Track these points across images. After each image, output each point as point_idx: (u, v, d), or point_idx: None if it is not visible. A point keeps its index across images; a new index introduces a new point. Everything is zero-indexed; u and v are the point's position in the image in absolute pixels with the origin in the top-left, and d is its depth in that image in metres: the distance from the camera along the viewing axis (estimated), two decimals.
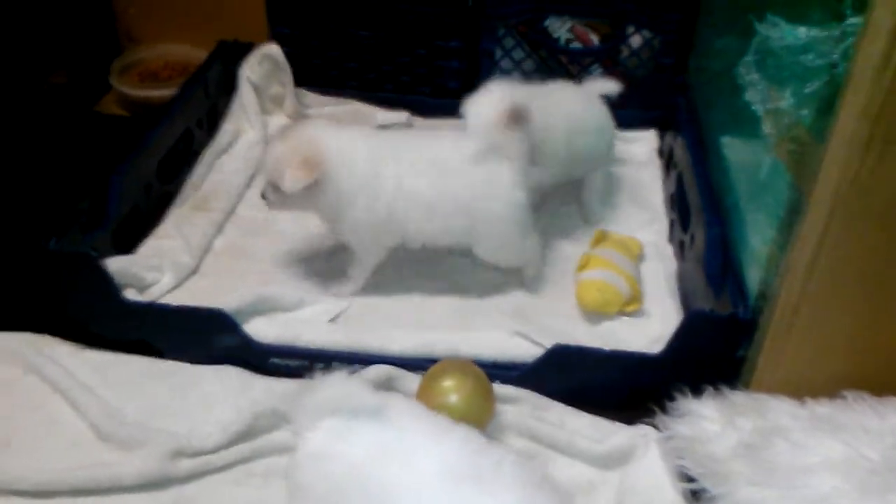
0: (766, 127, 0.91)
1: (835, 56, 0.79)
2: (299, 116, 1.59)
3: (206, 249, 1.30)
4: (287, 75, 1.58)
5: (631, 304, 1.20)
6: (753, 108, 0.89)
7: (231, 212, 1.39)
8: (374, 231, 1.16)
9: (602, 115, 1.37)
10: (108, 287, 1.09)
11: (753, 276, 1.03)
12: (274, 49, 1.56)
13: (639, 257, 1.30)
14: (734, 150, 1.18)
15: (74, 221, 1.14)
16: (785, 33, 0.80)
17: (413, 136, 1.22)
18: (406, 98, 1.65)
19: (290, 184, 1.06)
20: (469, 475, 0.73)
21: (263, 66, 1.56)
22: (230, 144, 1.51)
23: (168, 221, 1.33)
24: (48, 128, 1.65)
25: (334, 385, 0.81)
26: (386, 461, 0.76)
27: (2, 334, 1.15)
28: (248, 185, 1.45)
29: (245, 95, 1.53)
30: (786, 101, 0.84)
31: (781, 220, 0.93)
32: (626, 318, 1.20)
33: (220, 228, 1.35)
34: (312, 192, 1.09)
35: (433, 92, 1.66)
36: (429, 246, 1.18)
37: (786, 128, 0.87)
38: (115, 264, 1.13)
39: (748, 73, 0.87)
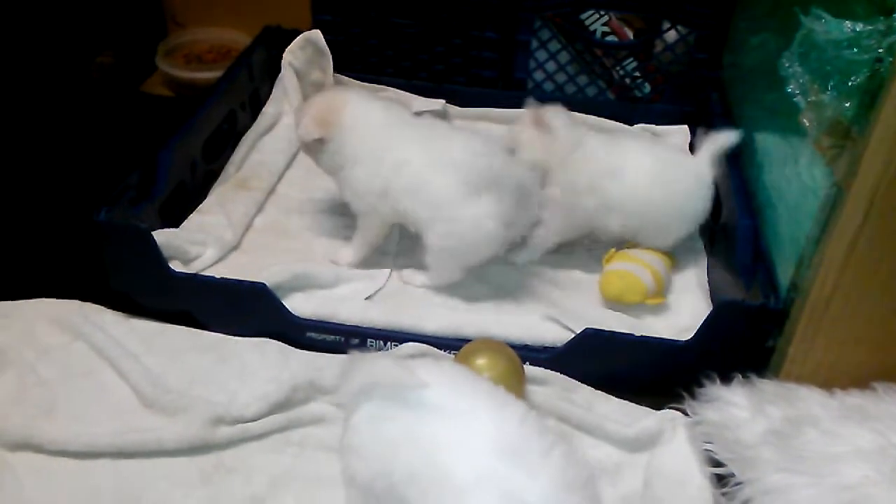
0: (806, 120, 0.92)
1: (879, 51, 0.80)
2: None
3: (248, 226, 1.33)
4: (328, 62, 1.61)
5: (654, 297, 1.21)
6: (795, 99, 0.90)
7: (271, 191, 1.43)
8: (370, 201, 1.19)
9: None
10: (155, 258, 1.12)
11: (785, 268, 1.05)
12: (316, 35, 1.58)
13: (671, 265, 1.29)
14: (769, 144, 1.19)
15: (123, 195, 1.17)
16: (830, 27, 0.82)
17: (432, 127, 1.22)
18: (441, 87, 1.67)
19: (301, 132, 1.18)
20: (518, 451, 0.75)
21: (306, 51, 1.59)
22: (271, 126, 1.54)
23: (211, 198, 1.37)
24: (95, 106, 1.70)
25: (377, 363, 0.84)
26: (439, 421, 0.78)
27: (51, 301, 1.20)
28: (288, 165, 1.49)
29: (287, 79, 1.56)
30: (828, 94, 0.85)
31: (817, 214, 0.95)
32: (654, 309, 1.21)
33: (260, 207, 1.38)
34: (319, 148, 1.19)
35: (468, 81, 1.68)
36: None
37: (827, 121, 0.88)
38: (161, 237, 1.16)
39: (791, 66, 0.88)
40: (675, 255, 1.31)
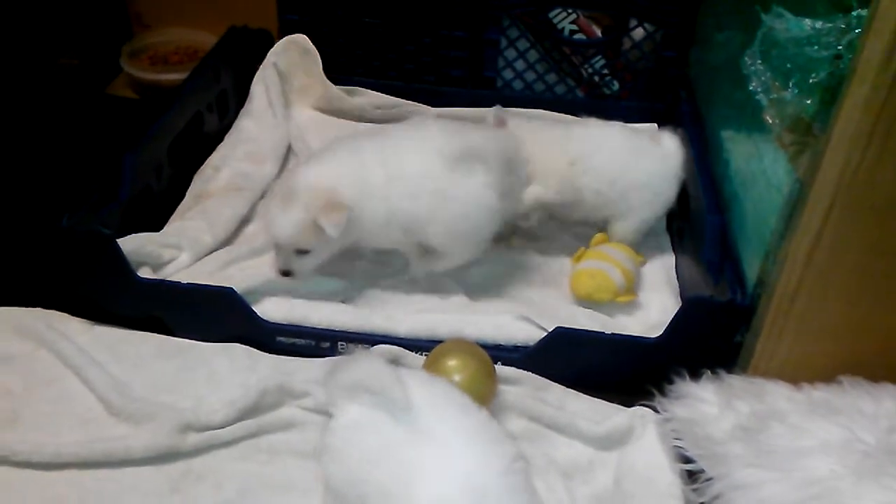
0: (769, 117, 0.93)
1: (839, 48, 0.81)
2: (330, 108, 1.61)
3: (228, 231, 1.31)
4: (315, 63, 1.59)
5: (625, 295, 1.21)
6: (757, 97, 0.91)
7: (254, 199, 1.39)
8: (392, 234, 1.16)
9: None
10: (119, 264, 1.11)
11: (752, 264, 1.06)
12: (302, 38, 1.57)
13: (640, 262, 1.30)
14: (735, 141, 1.20)
15: (87, 199, 1.15)
16: (790, 24, 0.82)
17: (393, 146, 1.16)
18: (411, 86, 1.67)
19: (333, 229, 1.05)
20: (489, 501, 0.74)
21: (290, 53, 1.58)
22: (249, 130, 1.52)
23: (188, 201, 1.35)
24: (59, 109, 1.66)
25: (368, 364, 0.83)
26: (423, 447, 0.77)
27: (14, 310, 1.17)
28: (275, 174, 1.45)
29: (269, 79, 1.55)
30: (789, 91, 0.86)
31: (781, 210, 0.96)
32: (624, 307, 1.22)
33: (242, 212, 1.36)
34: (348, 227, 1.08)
35: (437, 80, 1.67)
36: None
37: (788, 118, 0.89)
38: (131, 243, 1.15)
39: (752, 64, 0.88)
40: (644, 253, 1.32)
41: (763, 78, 0.87)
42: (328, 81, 1.61)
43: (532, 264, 1.31)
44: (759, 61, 0.88)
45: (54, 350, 1.12)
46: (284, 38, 1.58)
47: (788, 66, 0.85)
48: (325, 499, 0.88)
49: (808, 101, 0.86)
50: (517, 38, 1.62)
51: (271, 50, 1.58)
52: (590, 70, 1.64)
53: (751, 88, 0.91)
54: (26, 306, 1.18)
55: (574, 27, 1.61)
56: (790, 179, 0.93)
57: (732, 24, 1.26)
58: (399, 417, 0.78)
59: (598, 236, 1.31)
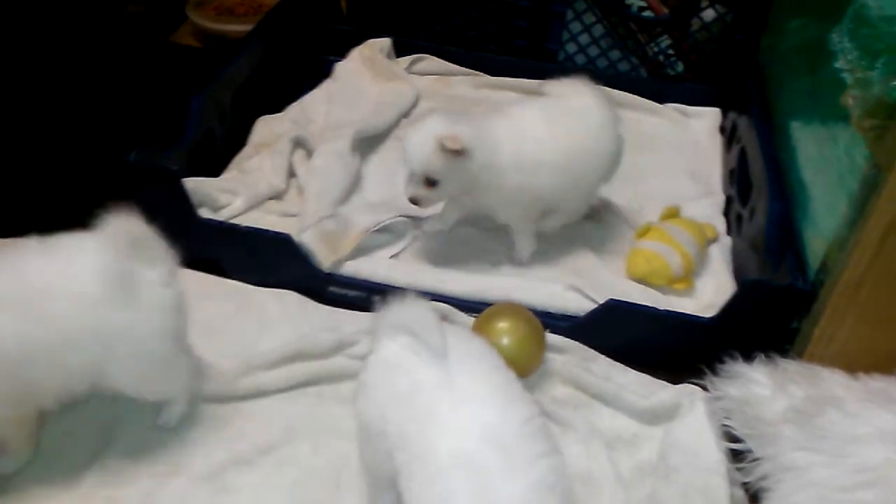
0: (851, 98, 0.91)
1: None
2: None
3: (283, 181, 1.32)
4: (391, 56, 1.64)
5: (681, 281, 1.19)
6: (842, 75, 0.88)
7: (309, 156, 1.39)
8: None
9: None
10: (182, 201, 1.13)
11: (815, 251, 1.04)
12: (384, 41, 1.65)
13: (708, 242, 1.27)
14: (806, 127, 1.17)
15: (153, 139, 1.17)
16: (883, 2, 0.80)
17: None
18: (471, 54, 1.66)
19: (452, 143, 1.05)
20: (507, 449, 0.72)
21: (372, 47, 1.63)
22: (318, 96, 1.54)
23: (249, 151, 1.37)
24: (125, 53, 1.69)
25: (415, 308, 0.84)
26: (445, 395, 0.77)
27: None
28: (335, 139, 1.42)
29: (351, 61, 1.60)
30: (876, 72, 0.83)
31: (855, 196, 0.94)
32: None
33: (299, 164, 1.36)
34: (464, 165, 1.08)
35: (499, 49, 1.66)
36: None
37: (872, 100, 0.87)
38: (191, 183, 1.16)
39: (840, 41, 0.86)
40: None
41: (850, 57, 0.85)
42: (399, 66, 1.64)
43: (589, 236, 1.30)
44: (847, 39, 0.85)
45: None
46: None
47: (877, 45, 0.83)
48: (358, 436, 0.89)
49: (894, 83, 0.83)
50: (584, 11, 1.60)
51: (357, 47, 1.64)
52: (655, 49, 1.62)
53: (836, 66, 0.88)
54: None
55: (643, 3, 1.59)
56: (867, 165, 0.91)
57: (813, 6, 1.23)
58: (430, 363, 0.79)
59: (668, 209, 1.29)
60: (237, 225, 1.16)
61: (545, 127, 1.14)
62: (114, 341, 0.85)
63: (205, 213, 1.19)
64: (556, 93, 1.21)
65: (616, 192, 1.39)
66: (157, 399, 0.95)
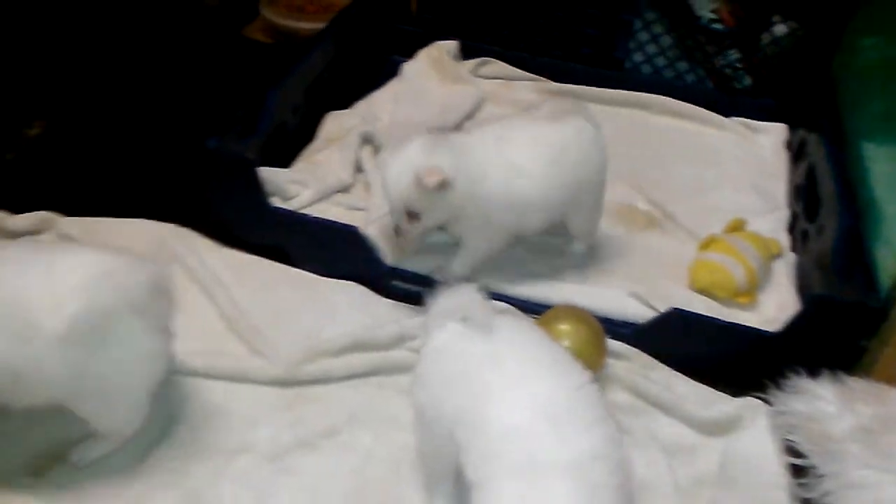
0: None
1: None
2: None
3: (351, 176, 1.35)
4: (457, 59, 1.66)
5: (744, 295, 1.18)
6: None
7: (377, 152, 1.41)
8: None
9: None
10: (256, 190, 1.16)
11: (886, 269, 1.03)
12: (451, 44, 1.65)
13: (772, 257, 1.26)
14: (881, 144, 1.16)
15: (229, 129, 1.21)
16: None
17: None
18: (536, 59, 1.67)
19: (430, 177, 1.01)
20: (560, 418, 0.74)
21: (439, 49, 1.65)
22: (385, 96, 1.57)
23: (318, 145, 1.40)
24: (199, 45, 1.74)
25: (462, 293, 0.86)
26: (496, 370, 0.79)
27: (153, 223, 1.24)
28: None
29: (419, 63, 1.62)
30: None
31: None
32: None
33: (367, 159, 1.39)
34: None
35: (564, 56, 1.67)
36: None
37: None
38: (264, 173, 1.19)
39: None
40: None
41: None
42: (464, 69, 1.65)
43: (651, 246, 1.30)
44: None
45: (185, 264, 1.18)
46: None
47: None
48: (415, 427, 0.91)
49: None
50: (653, 21, 1.60)
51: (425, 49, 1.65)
52: (723, 62, 1.61)
53: None
54: (164, 221, 1.24)
55: (713, 15, 1.58)
56: None
57: (891, 27, 1.21)
58: (478, 342, 0.81)
59: (734, 222, 1.28)
60: (307, 215, 1.18)
61: (532, 152, 1.09)
62: (79, 378, 0.83)
63: (275, 202, 1.22)
64: (547, 115, 1.15)
65: (678, 204, 1.39)
66: (100, 430, 0.91)
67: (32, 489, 0.90)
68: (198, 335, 1.09)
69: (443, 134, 1.11)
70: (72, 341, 0.81)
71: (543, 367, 0.80)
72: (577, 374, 0.80)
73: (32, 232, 1.21)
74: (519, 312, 1.12)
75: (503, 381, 0.78)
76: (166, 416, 0.99)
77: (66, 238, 1.20)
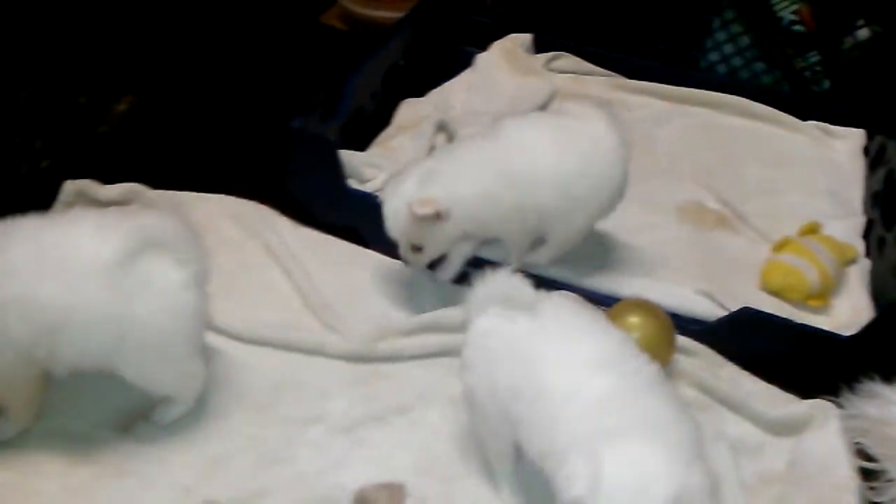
0: None
1: None
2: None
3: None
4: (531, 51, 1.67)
5: (817, 298, 1.17)
6: None
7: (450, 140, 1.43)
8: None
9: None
10: (336, 170, 1.19)
11: None
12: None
13: (847, 262, 1.24)
14: None
15: (313, 110, 1.24)
16: None
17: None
18: (611, 55, 1.67)
19: (422, 210, 1.01)
20: (612, 367, 0.79)
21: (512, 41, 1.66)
22: (458, 86, 1.59)
23: (392, 131, 1.43)
24: (277, 30, 1.79)
25: (501, 277, 0.88)
26: (541, 339, 0.83)
27: (234, 199, 1.28)
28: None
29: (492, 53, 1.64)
30: None
31: None
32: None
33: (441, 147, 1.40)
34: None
35: (639, 52, 1.67)
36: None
37: None
38: (342, 155, 1.23)
39: None
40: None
41: None
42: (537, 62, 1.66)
43: (722, 245, 1.30)
44: None
45: (263, 240, 1.22)
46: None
47: None
48: (471, 414, 0.93)
49: None
50: (732, 20, 1.59)
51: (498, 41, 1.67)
52: (802, 64, 1.59)
53: None
54: (244, 198, 1.29)
55: (794, 17, 1.56)
56: None
57: None
58: (524, 321, 0.84)
59: (808, 225, 1.27)
60: None
61: (543, 158, 1.06)
62: (119, 329, 0.86)
63: (351, 184, 1.25)
64: (565, 118, 1.12)
65: (749, 205, 1.38)
66: (160, 394, 0.95)
67: (116, 445, 0.95)
68: (275, 308, 1.14)
69: (444, 154, 1.11)
70: (110, 286, 0.85)
71: (593, 332, 0.84)
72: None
73: (121, 202, 1.26)
74: (588, 304, 1.13)
75: (555, 349, 0.81)
76: (243, 384, 1.03)
77: (151, 209, 1.25)
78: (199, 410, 1.00)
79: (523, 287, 0.86)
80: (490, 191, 1.06)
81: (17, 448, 0.94)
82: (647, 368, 0.81)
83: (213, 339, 1.08)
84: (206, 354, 0.98)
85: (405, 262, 1.09)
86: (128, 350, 0.88)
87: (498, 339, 0.85)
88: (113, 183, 1.27)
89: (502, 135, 1.09)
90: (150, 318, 0.87)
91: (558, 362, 0.80)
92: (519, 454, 0.90)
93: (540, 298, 0.86)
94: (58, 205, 1.21)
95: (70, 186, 1.23)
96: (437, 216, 1.02)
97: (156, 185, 1.28)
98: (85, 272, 0.85)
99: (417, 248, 1.07)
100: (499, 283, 0.87)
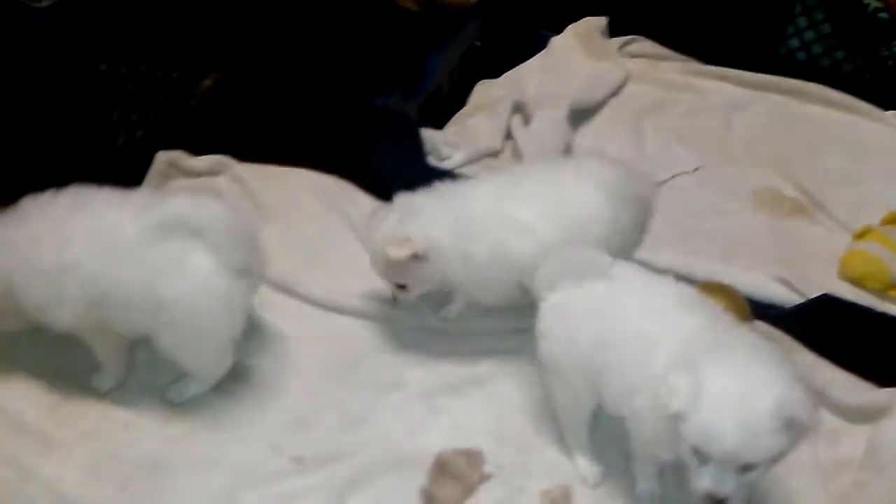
0: None
1: None
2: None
3: (498, 142, 1.39)
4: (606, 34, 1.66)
5: None
6: None
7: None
8: None
9: None
10: (417, 147, 1.22)
11: None
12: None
13: None
14: None
15: (394, 88, 1.27)
16: None
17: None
18: (687, 39, 1.65)
19: (398, 252, 0.97)
20: (694, 305, 0.83)
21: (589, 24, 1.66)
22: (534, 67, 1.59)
23: (468, 110, 1.45)
24: (354, 11, 1.81)
25: (572, 254, 0.91)
26: (618, 292, 0.86)
27: (315, 173, 1.33)
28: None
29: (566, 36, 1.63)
30: None
31: None
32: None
33: (516, 127, 1.42)
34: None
35: (715, 37, 1.64)
36: None
37: None
38: (422, 133, 1.26)
39: None
40: None
41: None
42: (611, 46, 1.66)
43: (800, 233, 1.29)
44: None
45: (344, 214, 1.26)
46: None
47: None
48: (548, 383, 0.95)
49: None
50: (814, 6, 1.56)
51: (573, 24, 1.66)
52: (886, 52, 1.55)
53: None
54: (326, 172, 1.33)
55: (879, 5, 1.53)
56: None
57: None
58: (598, 286, 0.87)
59: (890, 214, 1.25)
60: (462, 174, 1.24)
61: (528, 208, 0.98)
62: (153, 306, 0.91)
63: (429, 161, 1.28)
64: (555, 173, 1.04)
65: (828, 193, 1.36)
66: (187, 370, 0.98)
67: (210, 402, 1.01)
68: (356, 279, 1.17)
69: (433, 192, 1.03)
70: (144, 256, 0.89)
71: (671, 286, 0.88)
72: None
73: (209, 173, 1.32)
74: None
75: (639, 300, 0.85)
76: (326, 350, 1.08)
77: (238, 180, 1.30)
78: (285, 373, 1.05)
79: (597, 255, 0.89)
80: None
81: (119, 402, 1.00)
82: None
83: (296, 305, 1.13)
84: (273, 329, 1.05)
85: (393, 298, 1.05)
86: (161, 326, 0.92)
87: (575, 305, 0.88)
88: (202, 154, 1.32)
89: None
90: (180, 300, 0.90)
91: (645, 309, 0.84)
92: (594, 425, 0.93)
93: (612, 265, 0.89)
94: (151, 173, 1.27)
95: (162, 157, 1.29)
96: (415, 257, 0.97)
97: (242, 157, 1.33)
98: (124, 250, 0.90)
99: (401, 287, 1.03)
100: (568, 259, 0.90)
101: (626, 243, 1.02)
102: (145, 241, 0.90)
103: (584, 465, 0.95)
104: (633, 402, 0.80)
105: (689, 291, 0.88)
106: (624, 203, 1.00)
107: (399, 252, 0.97)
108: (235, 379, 1.02)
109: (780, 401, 0.70)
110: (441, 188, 1.03)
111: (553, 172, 1.03)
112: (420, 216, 0.99)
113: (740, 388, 0.70)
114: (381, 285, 1.15)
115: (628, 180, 1.02)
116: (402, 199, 1.02)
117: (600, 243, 0.95)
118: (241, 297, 0.94)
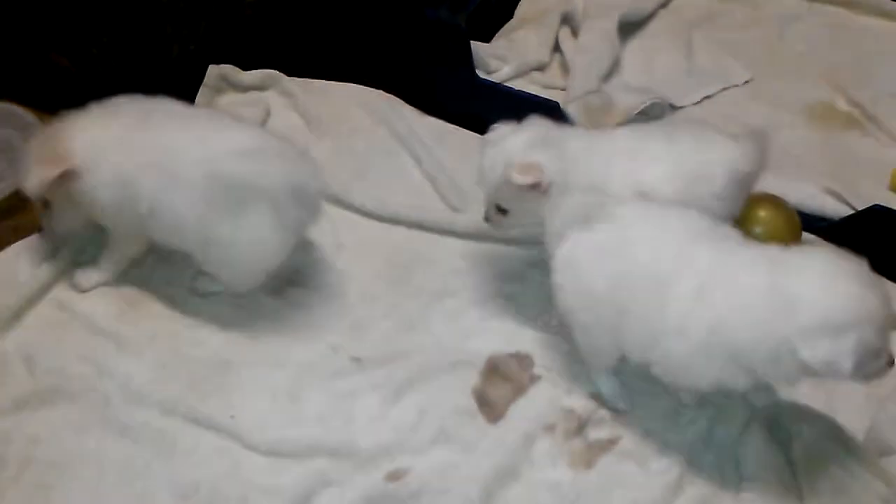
0: None
1: None
2: None
3: (549, 54, 1.38)
4: None
5: None
6: None
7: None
8: None
9: None
10: (466, 59, 1.22)
11: None
12: None
13: None
14: None
15: (441, 2, 1.26)
16: None
17: None
18: None
19: (523, 176, 0.92)
20: (708, 235, 0.85)
21: None
22: None
23: (514, 24, 1.44)
24: None
25: (573, 202, 0.90)
26: (630, 231, 0.87)
27: (362, 88, 1.33)
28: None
29: None
30: None
31: None
32: None
33: (564, 39, 1.40)
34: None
35: None
36: None
37: None
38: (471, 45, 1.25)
39: None
40: None
41: None
42: None
43: (852, 146, 1.28)
44: None
45: (392, 127, 1.27)
46: None
47: None
48: (573, 330, 0.95)
49: None
50: None
51: None
52: None
53: None
54: (370, 86, 1.33)
55: None
56: None
57: None
58: (605, 227, 0.87)
59: None
60: (512, 88, 1.24)
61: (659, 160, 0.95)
62: (205, 237, 0.96)
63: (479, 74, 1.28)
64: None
65: (881, 106, 1.33)
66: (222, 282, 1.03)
67: (271, 306, 1.05)
68: (405, 190, 1.19)
69: (563, 130, 0.98)
70: (207, 198, 0.93)
71: (668, 213, 0.88)
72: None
73: (258, 87, 1.33)
74: None
75: (643, 235, 0.86)
76: (380, 258, 1.11)
77: (288, 95, 1.32)
78: (343, 280, 1.08)
79: (596, 201, 0.89)
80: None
81: (183, 305, 1.05)
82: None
83: (349, 216, 1.16)
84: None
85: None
86: (208, 254, 0.98)
87: (585, 252, 0.88)
88: (252, 69, 1.33)
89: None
90: (232, 246, 0.96)
91: (656, 245, 0.85)
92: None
93: (615, 205, 0.89)
94: (204, 87, 1.29)
95: (214, 70, 1.30)
96: (537, 186, 0.92)
97: (290, 72, 1.34)
98: (185, 181, 0.93)
99: (503, 211, 0.97)
100: (571, 206, 0.90)
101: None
102: (208, 185, 0.93)
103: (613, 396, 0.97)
104: (662, 346, 0.83)
105: (698, 219, 0.88)
106: (745, 185, 0.99)
107: (524, 177, 0.91)
108: (295, 285, 1.06)
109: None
110: (572, 130, 1.01)
111: (683, 141, 0.98)
112: (552, 148, 0.93)
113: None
114: (430, 198, 1.18)
115: (754, 160, 0.98)
116: (535, 123, 0.96)
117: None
118: (283, 248, 0.99)
